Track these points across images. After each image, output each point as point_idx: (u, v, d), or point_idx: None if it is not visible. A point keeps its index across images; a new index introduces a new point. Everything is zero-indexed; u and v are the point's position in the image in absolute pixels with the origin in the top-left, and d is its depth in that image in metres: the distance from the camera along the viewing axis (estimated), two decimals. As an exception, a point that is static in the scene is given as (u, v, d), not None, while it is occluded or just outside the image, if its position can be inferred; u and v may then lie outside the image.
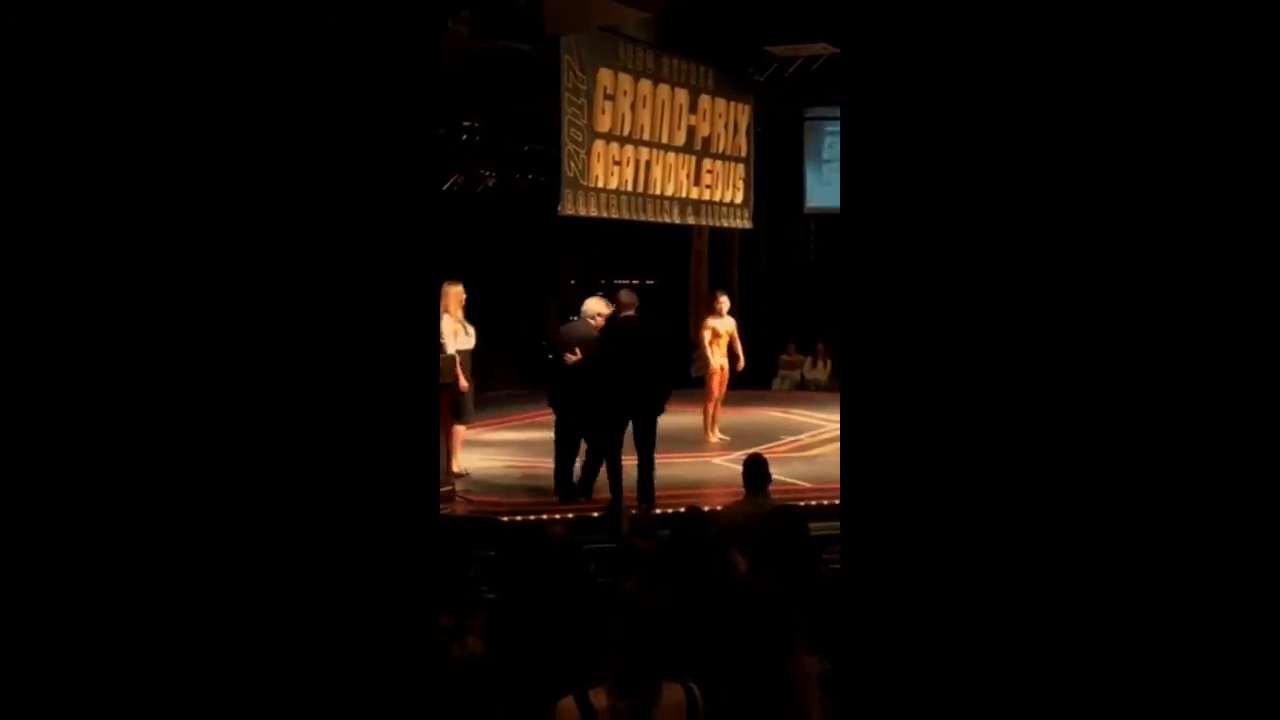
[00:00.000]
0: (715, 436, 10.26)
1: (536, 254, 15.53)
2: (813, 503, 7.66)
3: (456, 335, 8.39)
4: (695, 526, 5.09)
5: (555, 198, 10.04)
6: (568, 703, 2.87)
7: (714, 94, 11.81)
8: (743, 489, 6.19)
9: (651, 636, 2.91)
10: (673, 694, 2.89)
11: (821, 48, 12.42)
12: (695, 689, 2.91)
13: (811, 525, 5.03)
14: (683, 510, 7.61)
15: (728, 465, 9.37)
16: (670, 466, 9.33)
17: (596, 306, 8.34)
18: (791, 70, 12.95)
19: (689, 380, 11.06)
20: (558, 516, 7.43)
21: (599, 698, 2.86)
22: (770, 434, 10.69)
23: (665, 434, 10.68)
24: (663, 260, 15.99)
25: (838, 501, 7.72)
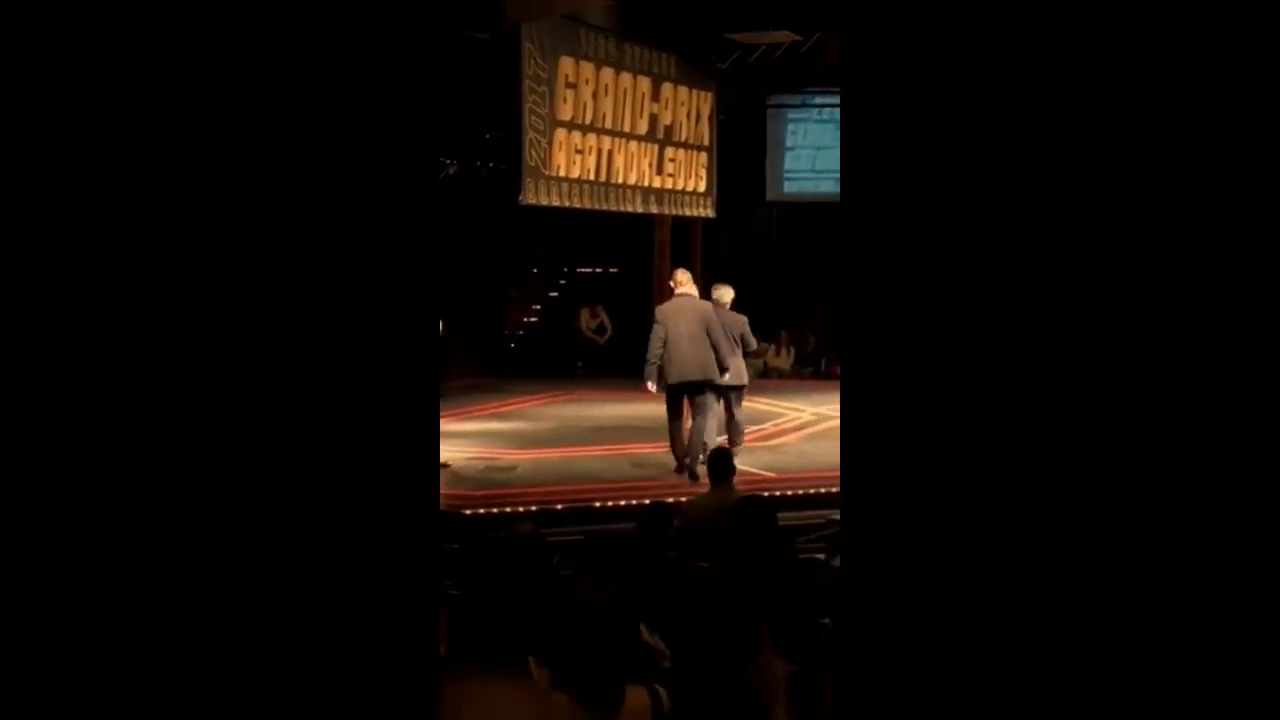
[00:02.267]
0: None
1: (498, 243, 15.43)
2: (778, 493, 7.61)
3: None
4: (660, 521, 5.05)
5: (516, 186, 9.96)
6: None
7: (676, 82, 11.75)
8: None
9: (614, 639, 2.86)
10: (636, 698, 2.83)
11: (784, 35, 12.39)
12: (661, 691, 2.86)
13: (778, 516, 5.01)
14: (648, 503, 7.60)
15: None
16: (635, 458, 9.30)
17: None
18: (754, 58, 12.91)
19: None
20: (520, 509, 7.37)
21: (561, 703, 2.80)
22: (734, 423, 10.63)
23: (630, 425, 10.68)
24: (626, 250, 15.93)
25: (803, 491, 7.75)
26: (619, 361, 15.01)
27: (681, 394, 8.47)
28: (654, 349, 8.39)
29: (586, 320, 15.05)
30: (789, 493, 7.74)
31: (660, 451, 9.47)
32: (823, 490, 7.76)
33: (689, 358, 8.31)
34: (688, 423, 8.57)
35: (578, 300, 15.75)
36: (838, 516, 6.88)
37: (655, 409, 11.29)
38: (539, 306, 16.58)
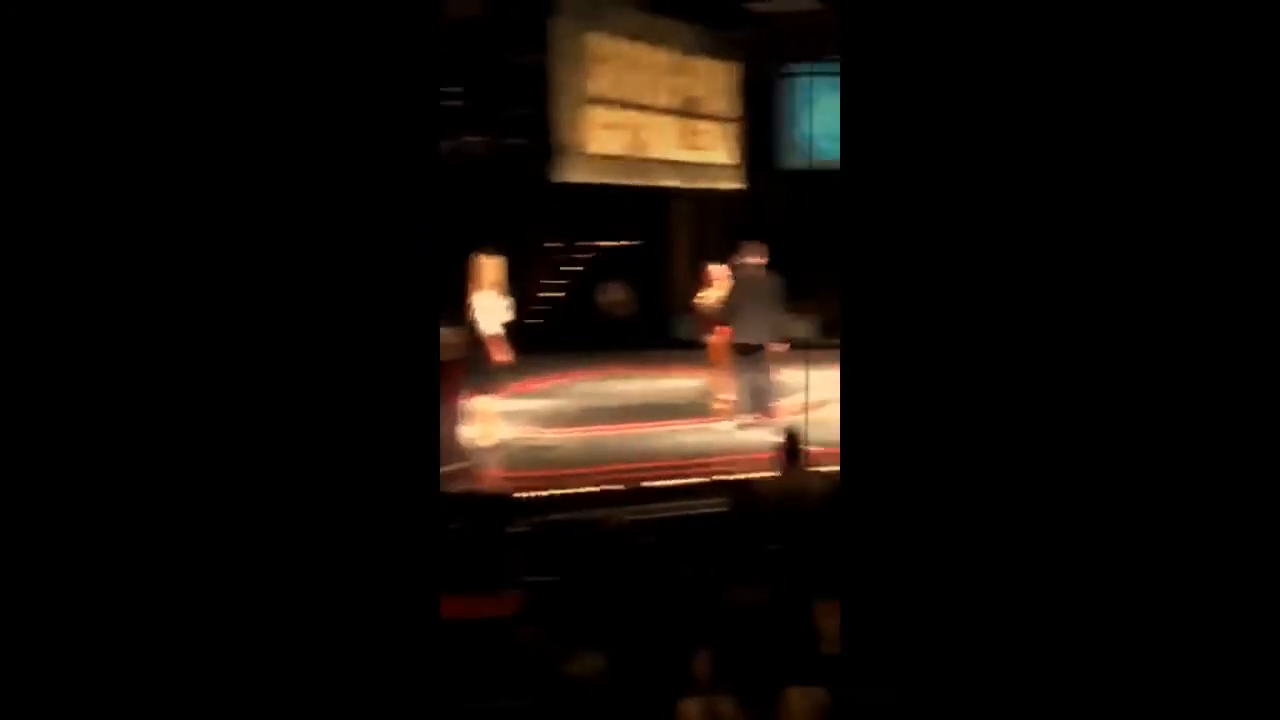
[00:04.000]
0: (719, 403, 10.19)
1: (519, 220, 15.31)
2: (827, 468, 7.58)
3: (490, 310, 8.25)
4: (752, 506, 5.05)
5: (541, 162, 9.91)
6: (690, 706, 2.82)
7: (702, 54, 11.67)
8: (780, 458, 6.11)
9: (772, 642, 2.86)
10: (798, 699, 2.84)
11: (806, 4, 12.30)
12: (822, 693, 2.86)
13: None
14: (697, 481, 7.60)
15: (731, 431, 9.33)
16: (678, 434, 9.29)
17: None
18: (775, 28, 12.82)
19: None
20: (574, 491, 7.34)
21: (724, 706, 2.80)
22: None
23: (665, 401, 10.67)
24: (645, 223, 15.85)
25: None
26: (640, 336, 14.98)
27: (746, 352, 9.49)
28: (726, 312, 9.54)
29: (608, 294, 15.00)
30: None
31: (700, 427, 9.50)
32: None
33: (751, 321, 9.42)
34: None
35: (598, 275, 15.66)
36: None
37: (687, 384, 11.31)
38: (559, 281, 16.47)
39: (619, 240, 16.53)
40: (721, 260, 10.59)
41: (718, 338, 9.95)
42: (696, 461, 8.25)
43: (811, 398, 10.84)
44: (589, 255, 16.59)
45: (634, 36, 10.63)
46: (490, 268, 8.15)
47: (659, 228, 15.71)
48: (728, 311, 9.61)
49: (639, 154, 10.84)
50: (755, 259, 9.75)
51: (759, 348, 9.54)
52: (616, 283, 15.09)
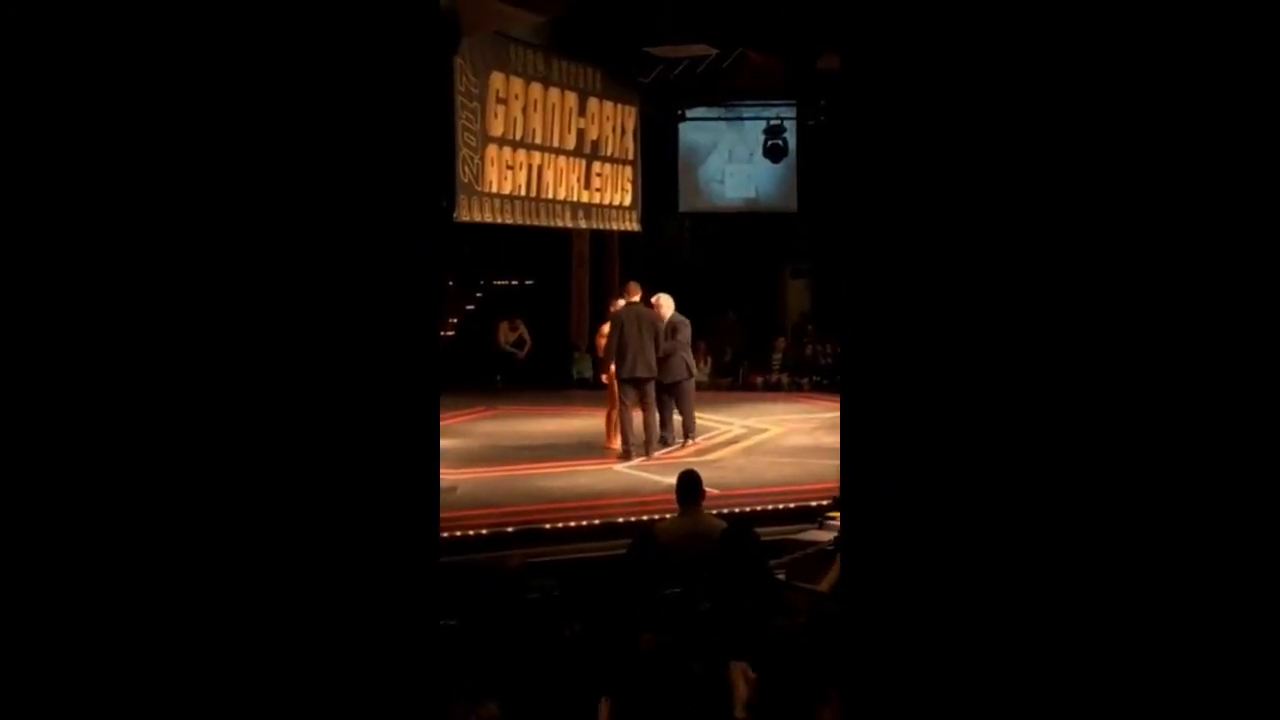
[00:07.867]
0: (616, 443, 10.19)
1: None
2: (724, 510, 7.63)
3: None
4: (651, 551, 5.04)
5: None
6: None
7: (602, 96, 11.75)
8: (675, 501, 6.13)
9: (678, 688, 2.85)
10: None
11: (702, 49, 12.45)
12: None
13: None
14: (597, 523, 7.58)
15: (629, 473, 9.33)
16: (574, 475, 9.26)
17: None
18: (676, 72, 12.96)
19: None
20: (471, 533, 7.28)
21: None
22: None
23: (562, 442, 10.64)
24: (543, 261, 15.86)
25: (745, 509, 7.78)
26: (538, 375, 14.94)
27: (635, 387, 9.75)
28: (610, 348, 9.83)
29: (505, 334, 14.92)
30: (734, 510, 7.75)
31: (598, 469, 9.47)
32: (775, 507, 7.85)
33: (639, 357, 9.70)
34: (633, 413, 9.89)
35: (494, 313, 15.59)
36: (800, 535, 6.96)
37: (584, 424, 11.30)
38: (454, 319, 16.38)
39: (515, 279, 16.52)
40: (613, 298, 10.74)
41: (611, 376, 9.98)
42: (594, 503, 8.23)
43: (708, 439, 10.95)
44: (484, 293, 16.55)
45: (534, 78, 10.66)
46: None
47: (557, 267, 15.73)
48: (612, 349, 9.80)
49: (539, 195, 10.84)
50: (637, 296, 10.03)
51: (646, 381, 9.75)
52: (514, 320, 15.03)
